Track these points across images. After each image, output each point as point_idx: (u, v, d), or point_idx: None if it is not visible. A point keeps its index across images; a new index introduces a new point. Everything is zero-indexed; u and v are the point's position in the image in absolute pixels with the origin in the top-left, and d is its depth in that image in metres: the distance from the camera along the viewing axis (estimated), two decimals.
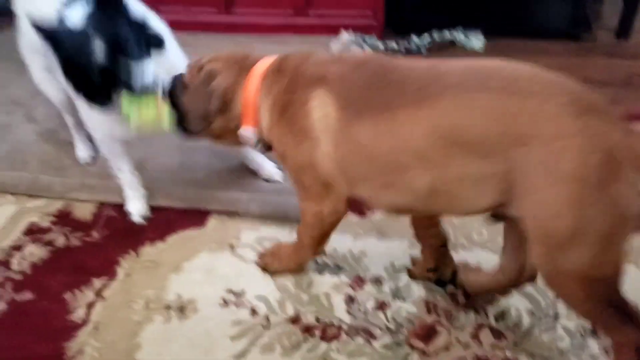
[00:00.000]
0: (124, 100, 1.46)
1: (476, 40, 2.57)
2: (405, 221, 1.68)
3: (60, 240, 1.72)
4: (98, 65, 1.42)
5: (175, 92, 1.46)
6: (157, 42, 1.51)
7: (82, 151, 1.99)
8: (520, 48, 2.55)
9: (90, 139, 1.95)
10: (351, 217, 1.72)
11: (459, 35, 2.57)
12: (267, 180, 1.85)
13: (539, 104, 1.05)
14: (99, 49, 1.41)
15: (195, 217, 1.76)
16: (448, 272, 1.50)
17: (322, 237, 1.44)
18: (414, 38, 2.53)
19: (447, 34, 2.56)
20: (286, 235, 1.67)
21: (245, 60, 1.41)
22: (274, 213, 1.74)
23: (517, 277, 1.35)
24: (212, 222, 1.74)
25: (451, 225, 1.65)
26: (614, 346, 1.20)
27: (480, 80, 1.10)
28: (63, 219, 1.80)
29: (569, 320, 1.41)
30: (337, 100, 1.22)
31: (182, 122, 1.47)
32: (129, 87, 1.45)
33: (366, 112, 1.19)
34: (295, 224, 1.68)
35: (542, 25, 2.68)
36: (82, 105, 1.61)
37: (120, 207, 1.80)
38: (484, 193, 1.12)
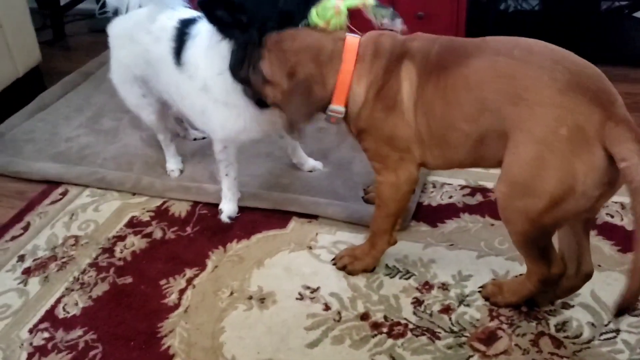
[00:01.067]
0: (315, 15, 1.49)
1: None
2: (474, 232, 1.77)
3: (158, 233, 1.91)
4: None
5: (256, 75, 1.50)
6: None
7: (173, 164, 2.15)
8: None
9: (179, 153, 2.16)
10: (423, 227, 1.82)
11: None
12: (310, 171, 2.08)
13: (539, 74, 1.23)
14: None
15: (278, 219, 1.91)
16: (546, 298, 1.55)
17: (398, 211, 1.58)
18: None
19: None
20: (360, 240, 1.78)
21: (332, 44, 1.46)
22: (349, 218, 1.86)
23: (574, 276, 1.46)
24: (293, 224, 1.89)
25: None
26: (527, 271, 1.47)
27: (509, 49, 1.31)
28: (161, 215, 1.99)
29: (630, 335, 1.45)
30: (417, 68, 1.40)
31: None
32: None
33: (434, 74, 1.38)
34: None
35: (624, 52, 2.69)
36: (218, 110, 1.71)
37: (211, 206, 1.98)
38: (501, 148, 1.31)
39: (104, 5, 3.80)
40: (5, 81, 2.61)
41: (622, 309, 1.24)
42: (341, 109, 1.48)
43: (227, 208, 1.93)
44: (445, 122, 1.38)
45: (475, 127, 1.34)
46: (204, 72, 1.69)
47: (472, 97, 1.32)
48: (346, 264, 1.70)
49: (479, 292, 1.60)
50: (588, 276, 1.46)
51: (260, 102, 1.62)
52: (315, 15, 1.50)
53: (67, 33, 3.40)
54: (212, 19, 1.50)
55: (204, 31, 1.68)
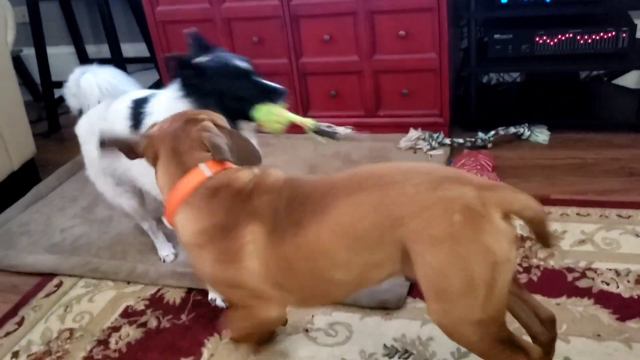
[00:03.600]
0: (260, 111, 1.66)
1: (541, 135, 2.67)
2: None
3: (152, 322, 1.89)
4: (244, 86, 1.67)
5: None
6: None
7: (165, 250, 2.16)
8: (585, 140, 2.63)
9: (169, 238, 2.16)
10: (419, 304, 1.81)
11: (524, 130, 2.69)
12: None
13: (401, 189, 1.24)
14: (239, 67, 1.68)
15: None
16: None
17: (248, 334, 1.54)
18: (480, 134, 2.66)
19: (512, 129, 2.68)
20: (357, 320, 1.77)
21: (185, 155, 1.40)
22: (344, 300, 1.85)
23: (542, 331, 1.43)
24: (288, 307, 1.88)
25: None
26: None
27: (359, 182, 1.29)
28: (155, 302, 1.98)
29: None
30: (266, 230, 1.32)
31: None
32: (275, 96, 1.67)
33: (288, 231, 1.31)
34: (366, 309, 1.80)
35: (606, 118, 2.76)
36: None
37: (206, 292, 1.97)
38: (385, 270, 1.31)
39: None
40: (1, 175, 2.65)
41: None
42: (167, 224, 1.47)
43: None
44: (314, 275, 1.33)
45: (349, 270, 1.31)
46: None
47: (344, 243, 1.28)
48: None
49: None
50: (553, 321, 1.43)
51: None
52: (259, 111, 1.66)
53: (62, 124, 3.48)
54: (179, 74, 1.66)
55: (159, 103, 1.76)
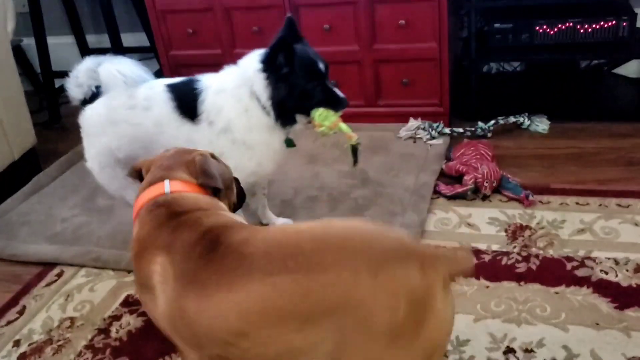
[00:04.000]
0: (319, 113, 1.78)
1: (541, 124, 2.67)
2: (469, 296, 1.77)
3: None
4: (317, 87, 1.78)
5: None
6: None
7: None
8: (585, 130, 2.63)
9: None
10: None
11: (524, 120, 2.69)
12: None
13: (336, 276, 1.06)
14: (320, 70, 1.79)
15: None
16: None
17: None
18: (480, 123, 2.66)
19: (512, 119, 2.68)
20: None
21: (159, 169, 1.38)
22: None
23: None
24: None
25: (514, 300, 1.73)
26: None
27: (281, 260, 1.10)
28: None
29: None
30: (172, 268, 1.20)
31: None
32: (338, 105, 1.81)
33: (194, 288, 1.15)
34: None
35: (606, 108, 2.76)
36: (235, 150, 1.83)
37: None
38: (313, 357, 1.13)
39: None
40: (1, 165, 2.65)
41: None
42: None
43: None
44: (219, 342, 1.18)
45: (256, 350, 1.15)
46: (228, 113, 1.83)
47: (252, 323, 1.12)
48: None
49: None
50: None
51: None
52: (319, 113, 1.79)
53: (63, 114, 3.48)
54: (276, 50, 1.73)
55: (219, 81, 1.85)
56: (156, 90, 1.90)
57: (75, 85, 1.97)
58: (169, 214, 1.27)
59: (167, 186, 1.33)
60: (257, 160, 1.89)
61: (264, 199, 2.15)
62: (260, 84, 1.79)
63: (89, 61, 1.92)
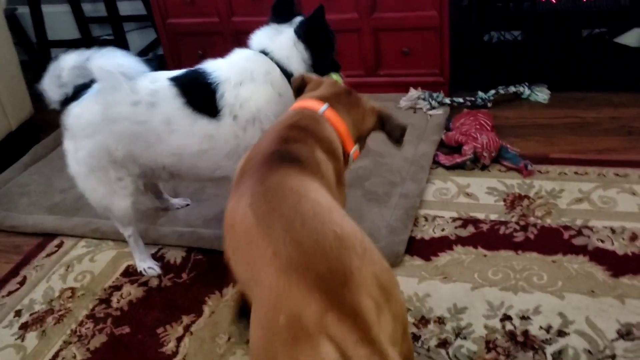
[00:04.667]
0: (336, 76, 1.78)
1: (541, 94, 2.66)
2: (467, 264, 1.79)
3: (154, 281, 1.92)
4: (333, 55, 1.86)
5: None
6: None
7: (146, 262, 1.97)
8: (585, 99, 2.62)
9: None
10: (417, 261, 1.83)
11: (524, 89, 2.67)
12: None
13: (266, 245, 1.05)
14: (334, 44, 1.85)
15: None
16: None
17: None
18: (480, 93, 2.65)
19: (512, 88, 2.67)
20: None
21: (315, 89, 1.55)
22: None
23: None
24: None
25: (511, 269, 1.74)
26: None
27: (260, 196, 1.15)
28: (156, 261, 2.00)
29: None
30: (239, 172, 1.31)
31: None
32: (339, 69, 1.86)
33: (235, 192, 1.24)
34: None
35: (607, 77, 2.74)
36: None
37: (206, 252, 1.99)
38: None
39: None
40: None
41: None
42: None
43: None
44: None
45: (241, 269, 1.16)
46: (257, 102, 1.74)
47: (235, 239, 1.16)
48: None
49: None
50: None
51: None
52: (335, 76, 1.76)
53: None
54: (313, 22, 1.77)
55: (238, 71, 1.75)
56: (161, 85, 1.72)
57: (57, 86, 1.72)
58: (302, 127, 1.37)
59: (323, 108, 1.44)
60: None
61: None
62: (298, 57, 1.79)
63: (73, 57, 1.66)
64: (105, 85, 1.69)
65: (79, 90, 1.74)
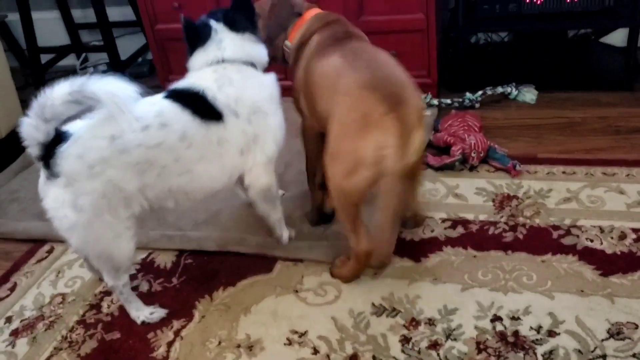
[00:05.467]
0: None
1: (529, 94, 2.68)
2: (457, 265, 1.79)
3: (144, 286, 1.92)
4: None
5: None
6: None
7: (146, 309, 1.80)
8: (572, 99, 2.64)
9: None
10: (407, 263, 1.84)
11: (512, 90, 2.69)
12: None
13: (352, 73, 1.60)
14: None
15: (263, 263, 1.92)
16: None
17: (309, 154, 2.01)
18: (468, 94, 2.66)
19: (499, 89, 2.68)
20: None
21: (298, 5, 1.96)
22: (333, 259, 1.87)
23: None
24: (278, 268, 1.90)
25: (501, 269, 1.75)
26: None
27: (360, 52, 1.70)
28: (147, 267, 2.00)
29: (617, 359, 1.46)
30: (315, 45, 1.82)
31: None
32: None
33: (318, 54, 1.78)
34: None
35: (594, 77, 2.76)
36: (270, 120, 1.80)
37: (196, 255, 1.99)
38: (325, 115, 1.67)
39: (86, 59, 3.85)
40: None
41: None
42: (290, 44, 1.94)
43: (286, 234, 1.99)
44: (312, 90, 1.77)
45: (322, 102, 1.71)
46: (249, 97, 1.76)
47: (324, 79, 1.71)
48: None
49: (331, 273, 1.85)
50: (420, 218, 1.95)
51: None
52: None
53: None
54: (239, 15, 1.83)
55: (214, 77, 1.75)
56: (162, 105, 1.67)
57: (42, 121, 1.49)
58: (334, 19, 1.92)
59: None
60: (283, 118, 1.86)
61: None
62: (255, 46, 1.85)
63: (67, 84, 1.47)
64: (101, 116, 1.55)
65: (57, 134, 1.54)
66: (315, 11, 1.95)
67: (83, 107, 1.52)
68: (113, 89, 1.49)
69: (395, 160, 1.50)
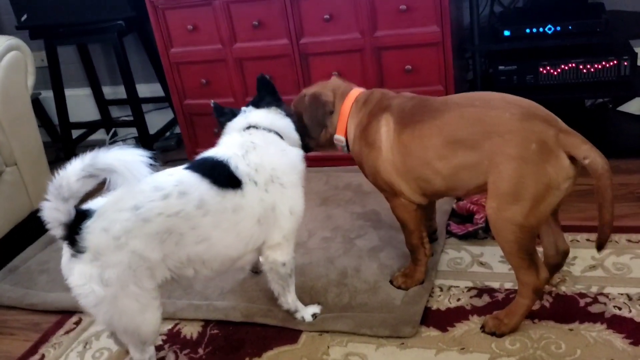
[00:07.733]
0: None
1: None
2: (484, 336, 1.78)
3: (170, 357, 1.92)
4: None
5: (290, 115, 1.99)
6: None
7: None
8: None
9: None
10: (433, 332, 1.83)
11: None
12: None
13: (499, 113, 1.65)
14: None
15: (289, 334, 1.92)
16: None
17: (414, 227, 1.96)
18: None
19: None
20: (372, 351, 1.79)
21: (338, 88, 2.00)
22: (359, 329, 1.87)
23: (555, 255, 1.85)
24: (304, 339, 1.90)
25: (529, 338, 1.73)
26: (519, 288, 1.75)
27: (470, 101, 1.75)
28: (173, 337, 2.01)
29: None
30: (394, 119, 1.83)
31: (304, 136, 2.00)
32: None
33: (409, 125, 1.79)
34: (380, 339, 1.82)
35: (613, 145, 2.78)
36: (288, 193, 1.84)
37: (222, 325, 2.00)
38: (474, 174, 1.70)
39: (115, 134, 3.97)
40: (22, 215, 2.72)
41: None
42: (342, 138, 1.97)
43: (308, 311, 1.98)
44: (422, 161, 1.77)
45: (448, 163, 1.72)
46: (269, 163, 1.82)
47: (446, 140, 1.71)
48: (400, 283, 2.02)
49: (482, 331, 1.80)
50: (566, 253, 1.87)
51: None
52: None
53: None
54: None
55: (237, 145, 1.84)
56: (181, 174, 1.73)
57: (62, 201, 1.53)
58: (377, 98, 1.93)
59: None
60: (303, 195, 1.90)
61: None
62: (280, 118, 1.95)
63: (78, 162, 1.53)
64: (122, 189, 1.57)
65: (79, 213, 1.59)
66: (349, 101, 1.96)
67: (99, 181, 1.57)
68: (123, 156, 1.53)
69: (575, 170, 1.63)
